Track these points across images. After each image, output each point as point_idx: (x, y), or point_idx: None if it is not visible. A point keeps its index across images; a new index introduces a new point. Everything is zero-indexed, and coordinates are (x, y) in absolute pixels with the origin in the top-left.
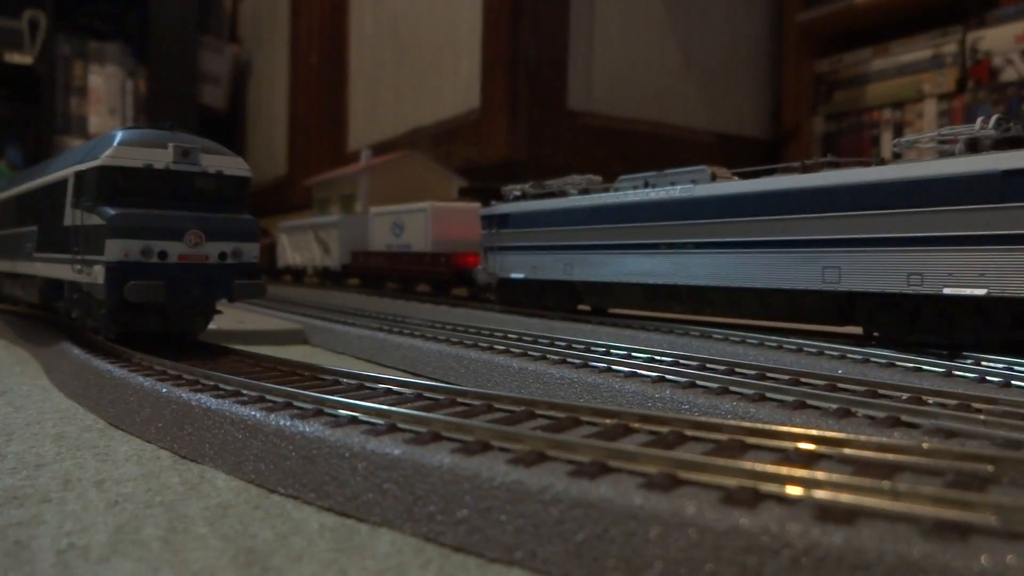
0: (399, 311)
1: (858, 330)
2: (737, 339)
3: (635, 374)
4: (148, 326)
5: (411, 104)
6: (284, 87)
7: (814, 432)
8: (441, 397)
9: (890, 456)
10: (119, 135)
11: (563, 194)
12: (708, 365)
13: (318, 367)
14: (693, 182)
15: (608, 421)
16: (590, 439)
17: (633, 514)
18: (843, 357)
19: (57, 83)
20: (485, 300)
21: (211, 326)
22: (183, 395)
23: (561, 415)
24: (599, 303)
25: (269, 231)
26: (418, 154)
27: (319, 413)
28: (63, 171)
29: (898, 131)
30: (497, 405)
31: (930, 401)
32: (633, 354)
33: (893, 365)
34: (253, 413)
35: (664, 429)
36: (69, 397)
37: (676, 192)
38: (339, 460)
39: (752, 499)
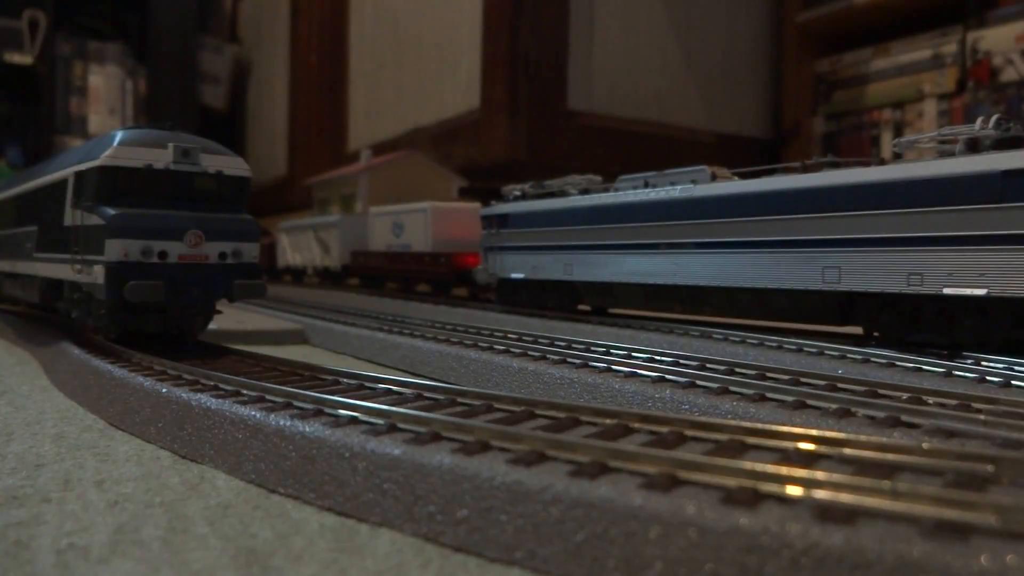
0: (399, 311)
1: (858, 330)
2: (737, 339)
3: (635, 374)
4: (148, 326)
5: (411, 104)
6: (284, 87)
7: (814, 432)
8: (441, 397)
9: (890, 456)
10: (119, 135)
11: (563, 194)
12: (708, 365)
13: (318, 367)
14: (693, 182)
15: (608, 421)
16: (590, 439)
17: (633, 514)
18: (843, 357)
19: (57, 83)
20: (485, 300)
21: (211, 326)
22: (183, 395)
23: (561, 415)
24: (599, 303)
25: (269, 231)
26: (418, 154)
27: (319, 413)
28: (63, 171)
29: (898, 131)
30: (497, 405)
31: (930, 401)
32: (633, 354)
33: (893, 365)
34: (253, 413)
35: (664, 429)
36: (69, 397)
37: (676, 192)
38: (339, 460)
39: (752, 499)
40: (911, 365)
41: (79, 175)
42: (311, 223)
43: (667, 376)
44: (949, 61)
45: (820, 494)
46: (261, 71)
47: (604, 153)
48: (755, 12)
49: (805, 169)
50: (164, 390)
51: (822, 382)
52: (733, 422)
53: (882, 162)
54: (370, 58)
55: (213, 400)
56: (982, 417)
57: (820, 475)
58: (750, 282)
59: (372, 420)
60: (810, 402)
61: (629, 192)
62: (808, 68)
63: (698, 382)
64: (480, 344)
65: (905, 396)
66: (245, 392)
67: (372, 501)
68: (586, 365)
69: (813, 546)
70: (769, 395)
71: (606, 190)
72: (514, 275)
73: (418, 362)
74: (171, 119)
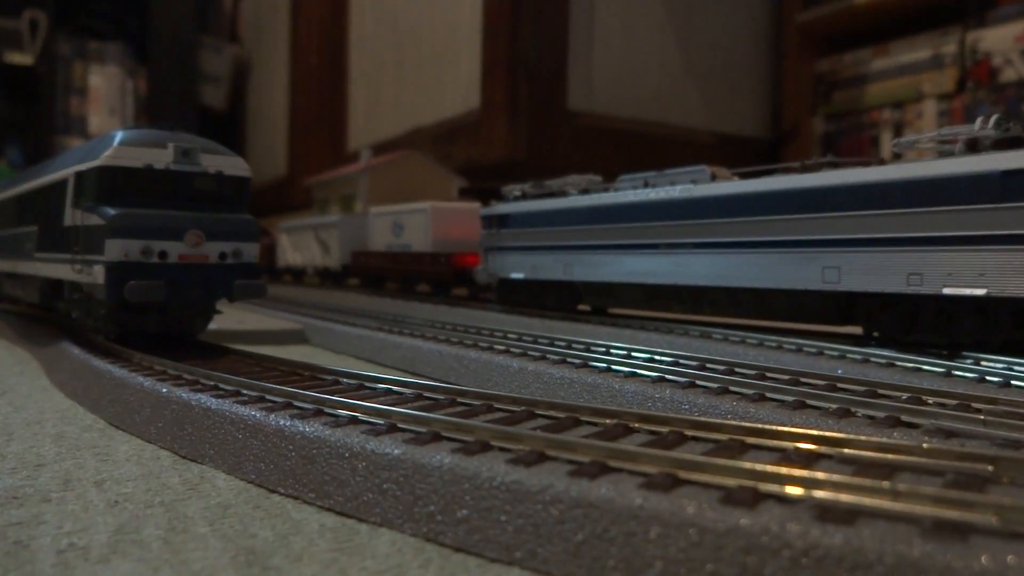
0: (399, 311)
1: (858, 330)
2: (737, 339)
3: (635, 374)
4: (148, 326)
5: (411, 104)
6: (284, 87)
7: (814, 432)
8: (441, 397)
9: (890, 456)
10: (119, 135)
11: (563, 194)
12: (708, 365)
13: (318, 367)
14: (693, 182)
15: (608, 421)
16: (590, 439)
17: (633, 514)
18: (843, 357)
19: (57, 83)
20: (485, 300)
21: (211, 326)
22: (183, 395)
23: (561, 415)
24: (599, 303)
25: (269, 231)
26: (418, 154)
27: (319, 413)
28: (63, 171)
29: (898, 131)
30: (497, 405)
31: (930, 401)
32: (633, 354)
33: (893, 365)
34: (253, 413)
35: (664, 429)
36: (69, 397)
37: (676, 192)
38: (339, 460)
39: (752, 499)
40: (911, 365)
41: (79, 175)
42: (311, 223)
43: (667, 376)
44: (949, 61)
45: (820, 494)
46: (261, 71)
47: (604, 153)
48: (755, 12)
49: (805, 169)
50: (164, 390)
51: (822, 382)
52: (733, 422)
53: (882, 162)
54: (370, 58)
55: (213, 400)
56: (982, 417)
57: (820, 475)
58: (750, 282)
59: (372, 420)
60: (810, 402)
61: (629, 192)
62: (808, 68)
63: (698, 382)
64: (480, 344)
65: (905, 396)
66: (245, 392)
67: (372, 501)
68: (586, 365)
69: (813, 546)
70: (769, 395)
71: (606, 190)
72: (514, 275)
73: (418, 362)
74: (171, 119)
